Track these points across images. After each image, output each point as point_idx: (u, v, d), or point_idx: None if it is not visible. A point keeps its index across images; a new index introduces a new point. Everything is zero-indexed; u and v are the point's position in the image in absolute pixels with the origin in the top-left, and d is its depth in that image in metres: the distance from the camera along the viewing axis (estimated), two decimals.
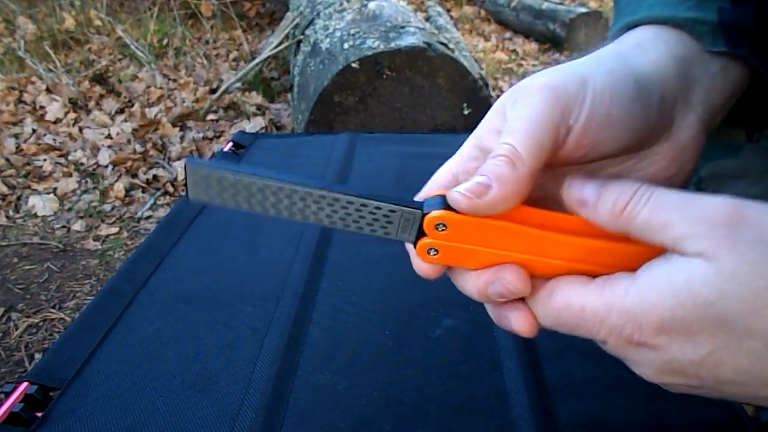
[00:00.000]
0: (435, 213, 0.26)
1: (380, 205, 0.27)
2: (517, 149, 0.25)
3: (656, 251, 0.25)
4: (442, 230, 0.26)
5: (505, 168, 0.25)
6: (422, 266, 0.28)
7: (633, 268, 0.25)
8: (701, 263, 0.23)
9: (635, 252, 0.26)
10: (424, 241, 0.27)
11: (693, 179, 0.50)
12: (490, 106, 0.30)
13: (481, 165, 0.27)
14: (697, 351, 0.24)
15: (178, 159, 2.05)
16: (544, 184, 0.30)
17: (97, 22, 3.11)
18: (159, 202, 1.86)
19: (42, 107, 2.34)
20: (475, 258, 0.27)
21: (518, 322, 0.28)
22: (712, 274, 0.22)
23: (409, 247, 0.28)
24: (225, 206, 0.27)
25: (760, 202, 0.23)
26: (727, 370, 0.24)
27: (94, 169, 2.02)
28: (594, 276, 0.27)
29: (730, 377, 0.24)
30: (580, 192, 0.26)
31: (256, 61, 2.48)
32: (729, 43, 0.31)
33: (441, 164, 0.30)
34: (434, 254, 0.27)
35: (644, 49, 0.31)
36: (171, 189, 1.91)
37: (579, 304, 0.25)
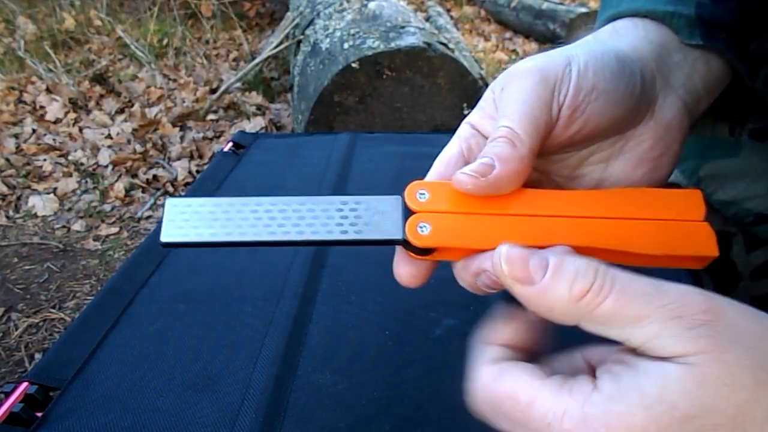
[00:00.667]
0: (411, 183, 0.27)
1: (359, 200, 0.27)
2: (515, 130, 0.26)
3: (659, 227, 0.25)
4: (425, 198, 0.27)
5: (506, 148, 0.25)
6: (404, 269, 0.27)
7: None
8: (678, 371, 0.20)
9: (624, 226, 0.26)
10: (412, 218, 0.26)
11: (693, 179, 0.50)
12: None
13: (480, 144, 0.27)
14: None
15: (178, 159, 2.05)
16: (542, 173, 0.30)
17: (97, 22, 3.12)
18: (159, 202, 1.86)
19: (42, 107, 2.34)
20: (467, 232, 0.26)
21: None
22: (691, 385, 0.20)
23: (396, 260, 0.28)
24: (200, 242, 0.26)
25: (728, 299, 0.21)
26: None
27: (94, 169, 2.02)
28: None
29: None
30: (523, 266, 0.23)
31: (256, 61, 2.48)
32: (705, 36, 0.32)
33: None
34: (426, 231, 0.26)
35: (621, 35, 0.32)
36: (171, 189, 1.92)
37: (528, 397, 0.22)
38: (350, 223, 0.27)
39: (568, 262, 0.22)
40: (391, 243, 0.27)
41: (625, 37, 0.32)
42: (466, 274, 0.26)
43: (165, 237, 0.26)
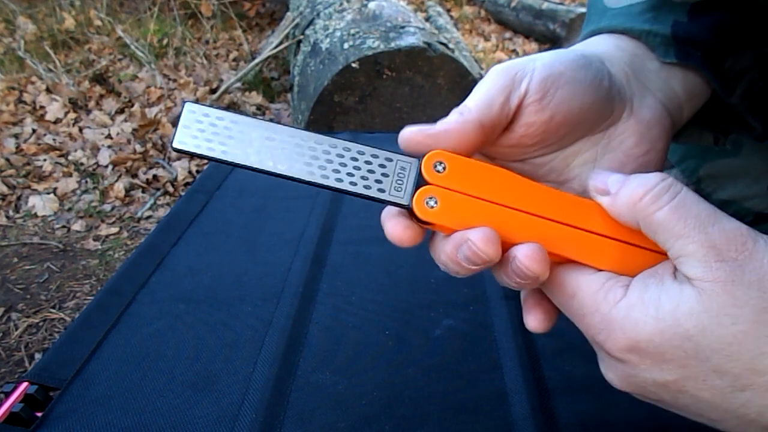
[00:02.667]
0: (434, 151, 0.27)
1: (377, 153, 0.27)
2: (466, 104, 0.28)
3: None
4: (442, 172, 0.27)
5: (453, 115, 0.28)
6: (398, 228, 0.27)
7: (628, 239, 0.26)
8: (691, 294, 0.23)
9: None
10: (423, 189, 0.26)
11: (692, 178, 0.50)
12: None
13: None
14: (664, 375, 0.24)
15: (178, 159, 2.05)
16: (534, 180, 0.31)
17: (97, 22, 3.11)
18: (159, 202, 1.86)
19: (42, 107, 2.34)
20: (475, 217, 0.26)
21: (538, 324, 0.29)
22: (698, 308, 0.22)
23: (389, 214, 0.28)
24: (210, 156, 0.26)
25: None
26: (688, 397, 0.24)
27: (94, 169, 2.02)
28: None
29: (688, 403, 0.25)
30: (603, 180, 0.27)
31: (256, 61, 2.48)
32: (680, 55, 0.33)
33: None
34: (433, 206, 0.26)
35: (592, 44, 0.34)
36: (171, 189, 1.91)
37: (572, 288, 0.26)
38: (361, 176, 0.27)
39: (637, 176, 0.25)
40: (394, 205, 0.27)
41: (597, 45, 0.33)
42: (447, 245, 0.27)
43: (177, 143, 0.26)
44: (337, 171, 0.27)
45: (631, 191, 0.25)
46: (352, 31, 1.75)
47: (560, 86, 0.28)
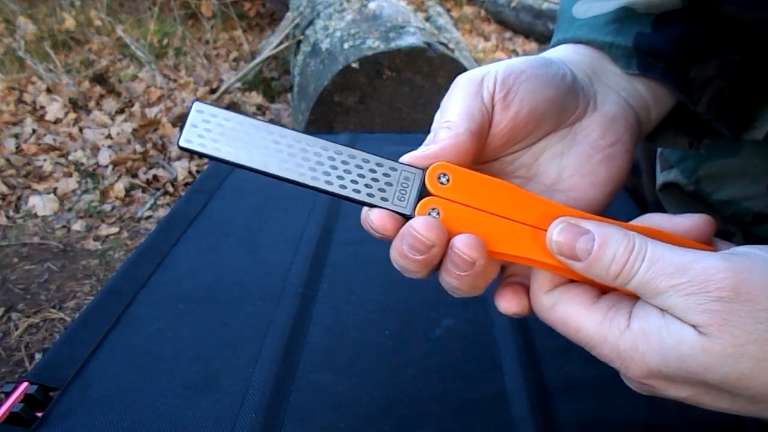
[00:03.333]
0: (439, 162, 0.27)
1: (382, 162, 0.27)
2: (450, 120, 0.29)
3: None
4: (445, 184, 0.27)
5: (442, 132, 0.28)
6: (387, 222, 0.27)
7: None
8: (692, 335, 0.23)
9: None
10: (426, 200, 0.27)
11: (692, 179, 0.50)
12: None
13: None
14: (679, 393, 0.25)
15: (178, 159, 2.05)
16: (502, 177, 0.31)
17: (97, 22, 3.11)
18: (159, 202, 1.86)
19: (42, 107, 2.34)
20: (475, 228, 0.27)
21: (508, 305, 0.30)
22: (700, 350, 0.23)
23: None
24: (215, 157, 0.26)
25: (761, 267, 0.23)
26: (707, 404, 0.26)
27: (94, 169, 2.02)
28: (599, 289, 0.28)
29: (710, 406, 0.26)
30: (571, 245, 0.26)
31: (256, 61, 2.48)
32: (641, 66, 0.33)
33: None
34: (435, 217, 0.27)
35: (553, 51, 0.35)
36: (171, 189, 1.91)
37: (576, 324, 0.27)
38: (365, 183, 0.27)
39: (608, 245, 0.26)
40: (397, 213, 0.27)
41: (558, 52, 0.35)
42: (396, 240, 0.27)
43: (184, 142, 0.26)
44: (341, 178, 0.27)
45: (608, 266, 0.25)
46: (352, 31, 1.75)
47: (522, 82, 0.29)
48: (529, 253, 0.27)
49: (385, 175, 0.27)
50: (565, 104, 0.30)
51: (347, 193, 0.27)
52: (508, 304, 0.29)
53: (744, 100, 0.37)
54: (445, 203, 0.27)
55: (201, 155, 0.26)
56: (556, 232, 0.27)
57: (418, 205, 0.27)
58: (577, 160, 0.31)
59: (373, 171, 0.27)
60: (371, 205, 0.27)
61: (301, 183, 0.27)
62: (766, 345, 0.22)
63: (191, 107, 0.26)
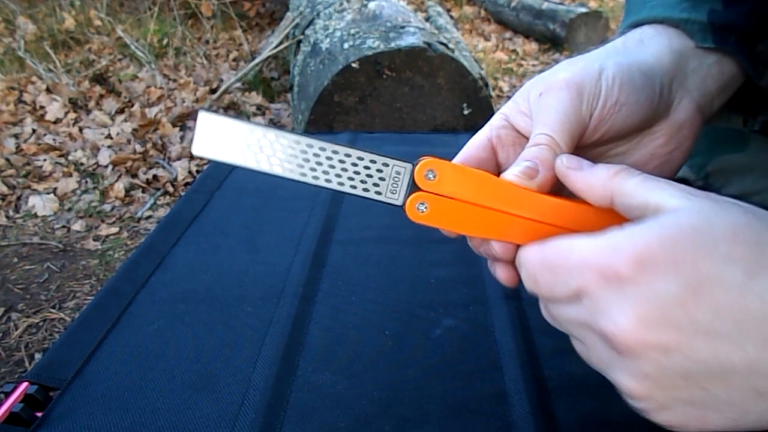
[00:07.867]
0: (425, 160, 0.29)
1: (375, 158, 0.30)
2: (555, 139, 0.30)
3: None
4: (432, 179, 0.29)
5: (548, 154, 0.29)
6: None
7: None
8: (686, 206, 0.24)
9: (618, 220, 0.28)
10: (414, 195, 0.29)
11: (701, 174, 0.50)
12: (491, 106, 0.34)
13: (510, 136, 0.33)
14: (679, 282, 0.22)
15: (178, 159, 2.05)
16: None
17: (97, 22, 3.11)
18: (159, 202, 1.86)
19: (42, 107, 2.34)
20: (461, 219, 0.29)
21: (501, 273, 0.31)
22: (696, 209, 0.24)
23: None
24: (226, 161, 0.29)
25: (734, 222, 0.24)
26: (706, 307, 0.22)
27: (94, 169, 2.02)
28: None
29: (708, 319, 0.22)
30: (577, 160, 0.29)
31: (256, 61, 2.48)
32: (717, 40, 0.35)
33: None
34: (423, 211, 0.29)
35: (646, 44, 0.36)
36: (171, 189, 1.91)
37: (568, 244, 0.26)
38: (361, 179, 0.30)
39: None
40: (389, 205, 0.30)
41: (650, 47, 0.35)
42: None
43: (196, 150, 0.28)
44: (339, 175, 0.29)
45: (606, 168, 0.27)
46: (352, 31, 1.75)
47: (615, 113, 0.31)
48: (513, 239, 0.29)
49: (378, 170, 0.30)
50: (645, 125, 0.33)
51: (344, 188, 0.29)
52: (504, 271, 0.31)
53: None
54: (432, 197, 0.29)
55: (211, 161, 0.29)
56: (562, 157, 0.30)
57: (408, 201, 0.29)
58: (636, 162, 0.34)
59: (367, 167, 0.30)
60: (366, 198, 0.30)
61: (302, 181, 0.29)
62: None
63: (197, 117, 0.29)
